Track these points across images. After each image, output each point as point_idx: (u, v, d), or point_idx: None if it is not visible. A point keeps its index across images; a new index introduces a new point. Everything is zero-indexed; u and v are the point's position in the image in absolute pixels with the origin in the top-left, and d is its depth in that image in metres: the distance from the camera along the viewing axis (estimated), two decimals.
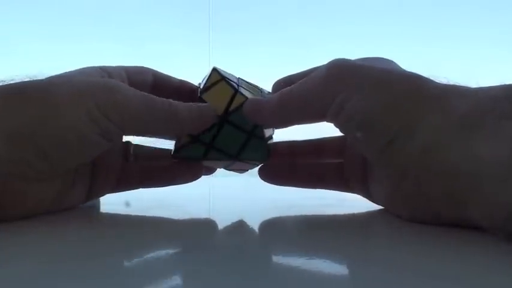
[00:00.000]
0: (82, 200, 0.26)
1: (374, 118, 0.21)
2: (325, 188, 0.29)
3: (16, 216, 0.23)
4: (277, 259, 0.18)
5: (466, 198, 0.20)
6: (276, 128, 0.28)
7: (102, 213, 0.28)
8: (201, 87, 0.28)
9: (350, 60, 0.24)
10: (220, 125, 0.27)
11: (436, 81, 0.22)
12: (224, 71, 0.28)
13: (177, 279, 0.15)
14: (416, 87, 0.22)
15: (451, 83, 0.22)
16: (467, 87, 0.22)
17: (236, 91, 0.27)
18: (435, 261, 0.17)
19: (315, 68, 0.28)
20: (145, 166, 0.28)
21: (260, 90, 0.30)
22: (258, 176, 0.29)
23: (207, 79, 0.27)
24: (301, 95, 0.24)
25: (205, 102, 0.27)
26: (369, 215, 0.28)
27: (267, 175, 0.29)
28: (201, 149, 0.27)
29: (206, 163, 0.29)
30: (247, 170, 0.31)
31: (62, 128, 0.22)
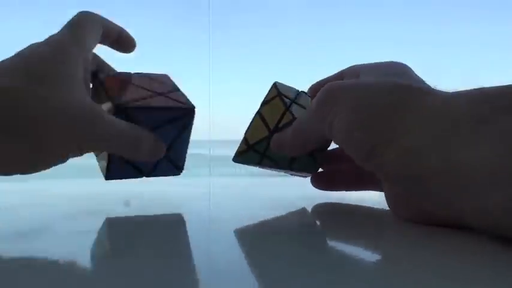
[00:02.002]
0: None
1: (352, 133, 0.23)
2: (365, 189, 0.30)
3: None
4: (277, 259, 0.18)
5: (450, 205, 0.20)
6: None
7: (101, 213, 0.28)
8: (263, 100, 0.31)
9: (340, 82, 0.26)
10: (271, 138, 0.29)
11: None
12: (284, 86, 0.31)
13: (175, 279, 0.15)
14: (396, 99, 0.23)
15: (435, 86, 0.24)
16: (442, 92, 0.22)
17: (287, 109, 0.30)
18: (435, 262, 0.17)
19: (346, 69, 0.31)
20: None
21: None
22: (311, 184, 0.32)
23: (267, 93, 0.31)
24: (306, 125, 0.27)
25: (263, 115, 0.30)
26: (368, 216, 0.28)
27: (319, 184, 0.32)
28: (256, 156, 0.30)
29: (266, 168, 0.32)
30: (307, 177, 0.33)
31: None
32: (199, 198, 0.29)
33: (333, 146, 0.31)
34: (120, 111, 0.26)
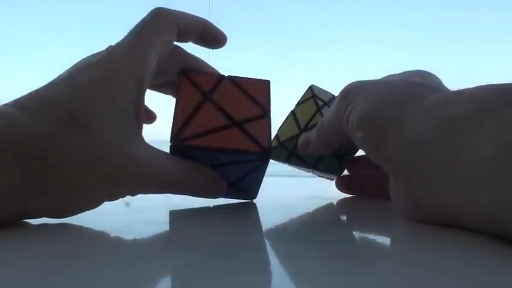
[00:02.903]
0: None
1: (361, 128, 0.24)
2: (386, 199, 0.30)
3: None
4: (279, 260, 0.18)
5: (449, 199, 0.20)
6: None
7: (101, 213, 0.28)
8: (298, 101, 0.33)
9: (359, 81, 0.27)
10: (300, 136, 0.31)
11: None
12: (320, 89, 0.33)
13: (175, 280, 0.15)
14: (404, 95, 0.24)
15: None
16: (452, 90, 0.23)
17: (318, 110, 0.31)
18: (435, 263, 0.17)
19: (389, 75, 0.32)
20: None
21: None
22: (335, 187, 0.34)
23: (303, 95, 0.32)
24: (328, 122, 0.28)
25: (296, 115, 0.32)
26: (367, 216, 0.28)
27: (341, 186, 0.35)
28: (285, 153, 0.32)
29: (293, 166, 0.33)
30: (333, 179, 0.35)
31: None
32: (199, 199, 0.29)
33: (361, 152, 0.32)
34: (176, 148, 0.24)
